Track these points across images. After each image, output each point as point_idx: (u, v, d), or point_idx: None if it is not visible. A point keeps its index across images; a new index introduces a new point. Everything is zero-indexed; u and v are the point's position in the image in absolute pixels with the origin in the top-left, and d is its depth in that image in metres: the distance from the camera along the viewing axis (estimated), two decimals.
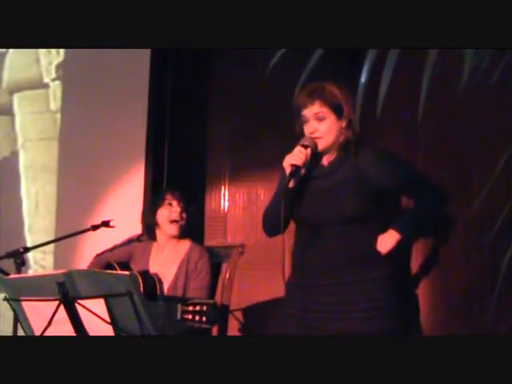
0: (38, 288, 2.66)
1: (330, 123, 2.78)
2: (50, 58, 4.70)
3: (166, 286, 3.27)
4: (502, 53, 1.51)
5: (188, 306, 2.69)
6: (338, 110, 2.78)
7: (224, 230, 4.10)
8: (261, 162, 3.99)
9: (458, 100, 2.28)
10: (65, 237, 3.50)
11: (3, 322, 3.71)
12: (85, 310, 2.58)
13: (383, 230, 2.78)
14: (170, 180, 4.18)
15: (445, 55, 1.49)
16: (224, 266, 3.41)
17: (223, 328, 3.28)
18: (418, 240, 3.34)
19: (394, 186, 2.83)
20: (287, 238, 2.76)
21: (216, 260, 3.43)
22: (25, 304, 2.73)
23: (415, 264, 3.35)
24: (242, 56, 3.94)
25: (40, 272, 4.28)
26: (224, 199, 4.14)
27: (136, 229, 3.56)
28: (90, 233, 3.46)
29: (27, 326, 2.76)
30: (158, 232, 3.43)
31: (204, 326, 2.67)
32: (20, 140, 4.76)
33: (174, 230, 3.37)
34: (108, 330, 2.61)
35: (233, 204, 4.11)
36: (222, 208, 4.15)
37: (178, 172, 4.20)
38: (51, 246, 3.97)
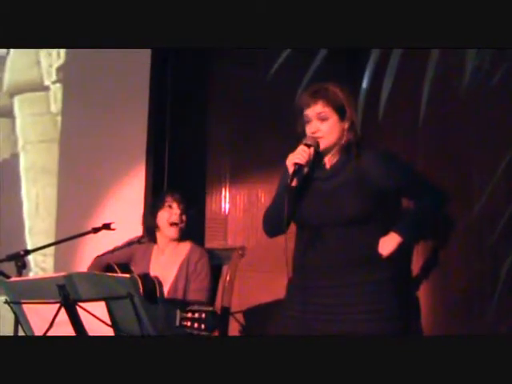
0: (38, 291, 2.66)
1: (332, 123, 2.78)
2: (50, 61, 4.70)
3: (166, 288, 3.27)
4: (503, 54, 1.51)
5: (187, 312, 2.68)
6: (340, 111, 2.77)
7: (224, 232, 4.10)
8: (261, 164, 3.98)
9: (459, 101, 2.28)
10: (66, 239, 3.49)
11: (4, 325, 3.71)
12: (85, 313, 2.58)
13: (384, 232, 2.78)
14: (170, 182, 4.18)
15: (446, 56, 1.49)
16: (224, 269, 3.41)
17: (224, 330, 3.28)
18: (418, 242, 3.33)
19: (395, 187, 2.83)
20: (288, 240, 2.75)
21: (216, 262, 3.43)
22: (26, 307, 2.73)
23: (416, 266, 3.35)
24: (242, 57, 3.94)
25: (41, 275, 4.28)
26: (224, 201, 4.14)
27: (136, 231, 3.55)
28: (91, 235, 3.45)
29: (28, 328, 2.76)
30: (158, 234, 3.43)
31: (203, 333, 2.66)
32: (20, 142, 4.76)
33: (173, 232, 3.37)
34: (109, 333, 2.60)
35: (233, 206, 4.11)
36: (222, 210, 4.14)
37: (179, 173, 4.20)
38: (51, 248, 3.97)
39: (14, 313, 2.78)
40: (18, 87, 4.81)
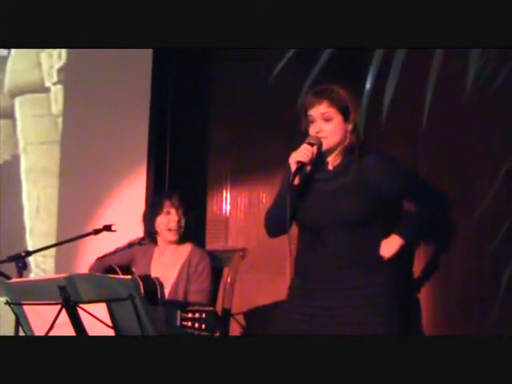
0: (39, 292, 2.66)
1: (336, 124, 2.78)
2: (51, 62, 4.70)
3: (167, 290, 3.27)
4: (506, 55, 1.51)
5: (187, 313, 2.69)
6: (345, 112, 2.77)
7: (225, 234, 4.10)
8: (262, 165, 3.98)
9: (461, 105, 2.27)
10: (67, 241, 3.50)
11: (4, 326, 3.70)
12: (86, 314, 2.58)
13: (386, 235, 2.78)
14: (171, 183, 4.17)
15: (449, 59, 1.49)
16: (225, 270, 3.41)
17: (225, 332, 3.28)
18: (419, 245, 3.33)
19: (397, 190, 2.83)
20: (289, 242, 2.75)
21: (217, 264, 3.42)
22: (26, 308, 2.72)
23: (417, 269, 3.35)
24: (243, 58, 3.94)
25: (41, 276, 4.27)
26: (225, 203, 4.14)
27: (137, 232, 3.55)
28: (92, 236, 3.46)
29: (29, 329, 2.75)
30: (158, 237, 3.43)
31: (203, 333, 2.66)
32: (21, 143, 4.76)
33: (172, 237, 3.37)
34: (110, 334, 2.60)
35: (234, 207, 4.10)
36: (223, 212, 4.14)
37: (180, 175, 4.20)
38: (52, 249, 3.96)
39: (15, 314, 2.78)
40: (19, 88, 4.81)
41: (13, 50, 4.82)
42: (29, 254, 3.31)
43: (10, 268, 3.23)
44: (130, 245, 3.48)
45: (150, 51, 4.21)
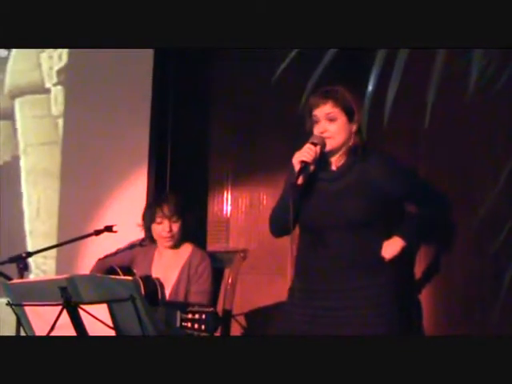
0: (40, 293, 2.66)
1: (340, 124, 2.78)
2: (51, 63, 4.70)
3: (168, 291, 3.27)
4: (508, 58, 1.50)
5: (187, 313, 2.69)
6: (349, 113, 2.77)
7: (226, 235, 4.09)
8: (264, 166, 3.98)
9: (463, 106, 2.28)
10: (68, 241, 3.49)
11: (5, 327, 3.70)
12: (87, 315, 2.58)
13: (387, 236, 2.78)
14: (172, 184, 4.17)
15: (451, 60, 1.49)
16: (226, 271, 3.41)
17: (226, 333, 3.28)
18: (421, 246, 3.33)
19: (399, 192, 2.83)
20: (290, 243, 2.75)
21: (218, 265, 3.42)
22: (27, 309, 2.72)
23: (418, 270, 3.35)
24: (244, 59, 3.93)
25: (42, 277, 4.27)
26: (226, 204, 4.13)
27: (138, 233, 3.55)
28: (93, 237, 3.45)
29: (30, 330, 2.75)
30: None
31: (203, 334, 2.66)
32: (21, 145, 4.76)
33: (167, 243, 3.36)
34: (110, 335, 2.60)
35: (235, 208, 4.10)
36: (224, 212, 4.14)
37: (181, 176, 4.20)
38: (52, 250, 3.96)
39: (16, 315, 2.78)
40: (19, 89, 4.81)
41: (13, 51, 4.82)
42: (30, 255, 3.31)
43: (11, 269, 3.23)
44: (131, 246, 3.48)
45: (150, 51, 4.21)
